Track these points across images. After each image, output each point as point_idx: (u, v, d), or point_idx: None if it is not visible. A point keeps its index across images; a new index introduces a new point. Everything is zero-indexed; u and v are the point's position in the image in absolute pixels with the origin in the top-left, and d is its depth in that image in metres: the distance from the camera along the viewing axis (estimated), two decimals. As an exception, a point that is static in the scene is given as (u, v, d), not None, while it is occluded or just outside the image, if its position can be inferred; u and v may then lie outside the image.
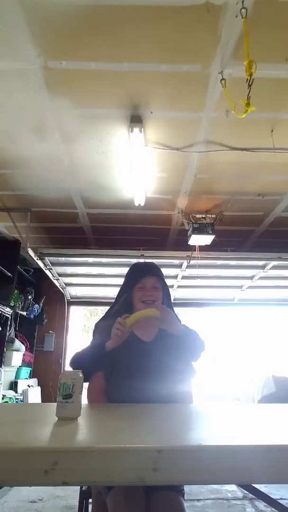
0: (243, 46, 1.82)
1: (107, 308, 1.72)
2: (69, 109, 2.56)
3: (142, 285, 1.57)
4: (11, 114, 2.62)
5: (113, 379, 1.45)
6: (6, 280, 4.29)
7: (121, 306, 1.62)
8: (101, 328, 1.61)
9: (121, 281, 1.69)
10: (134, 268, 1.67)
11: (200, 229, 4.00)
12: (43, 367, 5.63)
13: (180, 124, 2.73)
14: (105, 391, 1.45)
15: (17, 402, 4.42)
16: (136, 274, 1.62)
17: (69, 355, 5.95)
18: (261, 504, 2.66)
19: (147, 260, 4.14)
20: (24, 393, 4.80)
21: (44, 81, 2.30)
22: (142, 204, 3.81)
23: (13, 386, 4.75)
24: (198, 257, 4.33)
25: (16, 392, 4.66)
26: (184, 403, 1.49)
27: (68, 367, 1.61)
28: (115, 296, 1.70)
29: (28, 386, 5.02)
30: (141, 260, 4.09)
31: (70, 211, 4.16)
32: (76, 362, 1.47)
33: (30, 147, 2.99)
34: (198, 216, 4.14)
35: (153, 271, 1.62)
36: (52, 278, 5.16)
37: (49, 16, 1.88)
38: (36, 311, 5.51)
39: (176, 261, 4.68)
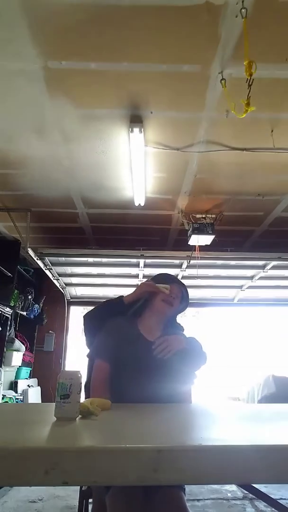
0: (243, 46, 1.82)
1: None
2: (69, 109, 2.56)
3: (172, 289, 1.63)
4: (11, 114, 2.62)
5: (116, 376, 1.45)
6: (6, 280, 4.29)
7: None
8: (112, 328, 1.57)
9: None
10: (165, 275, 1.78)
11: (200, 229, 3.99)
12: (43, 367, 5.63)
13: (180, 124, 2.73)
14: (108, 383, 1.45)
15: (17, 402, 4.42)
16: (166, 279, 1.69)
17: (69, 355, 5.96)
18: (261, 504, 2.66)
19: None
20: (24, 393, 4.80)
21: (44, 81, 2.30)
22: (142, 204, 3.81)
23: (13, 386, 4.74)
24: (198, 257, 4.33)
25: (16, 392, 4.66)
26: (184, 403, 1.49)
27: (67, 367, 1.62)
28: (115, 296, 1.72)
29: (28, 386, 5.02)
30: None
31: (70, 211, 4.16)
32: (92, 317, 1.59)
33: (30, 147, 2.99)
34: (198, 216, 4.14)
35: (181, 283, 1.72)
36: (52, 278, 5.16)
37: (49, 16, 1.88)
38: (36, 311, 5.51)
39: (176, 261, 4.68)
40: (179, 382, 1.50)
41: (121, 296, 1.63)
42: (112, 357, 1.47)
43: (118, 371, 1.46)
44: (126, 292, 1.69)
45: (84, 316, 1.64)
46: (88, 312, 1.65)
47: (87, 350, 1.61)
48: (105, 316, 1.58)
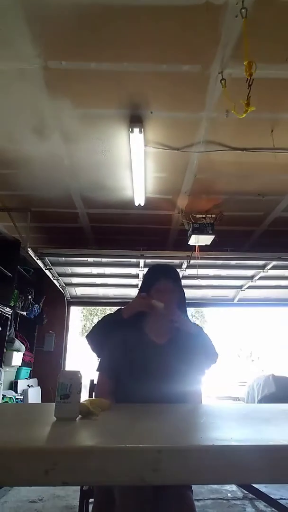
0: (243, 46, 1.82)
1: (108, 308, 1.74)
2: (69, 109, 2.56)
3: (159, 287, 1.60)
4: (11, 114, 2.62)
5: (124, 379, 1.46)
6: (6, 280, 4.28)
7: None
8: (116, 338, 1.57)
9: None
10: (153, 270, 1.72)
11: (200, 229, 4.00)
12: (43, 367, 5.63)
13: (180, 124, 2.73)
14: (113, 393, 1.45)
15: (17, 402, 4.42)
16: (154, 277, 1.66)
17: (69, 355, 5.96)
18: (261, 504, 2.66)
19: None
20: (24, 393, 4.80)
21: (44, 81, 2.30)
22: (142, 204, 3.81)
23: (13, 386, 4.74)
24: (198, 257, 4.33)
25: (16, 392, 4.65)
26: (193, 403, 1.50)
27: (67, 367, 1.63)
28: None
29: (28, 386, 5.02)
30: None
31: (70, 211, 4.16)
32: (93, 335, 1.58)
33: (30, 147, 2.99)
34: (198, 216, 4.14)
35: (170, 274, 1.67)
36: (52, 278, 5.16)
37: (49, 16, 1.88)
38: (36, 311, 5.51)
39: (176, 261, 4.68)
40: (188, 384, 1.51)
41: (119, 310, 1.61)
42: (118, 366, 1.48)
43: (127, 375, 1.46)
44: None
45: (86, 337, 1.62)
46: (88, 333, 1.63)
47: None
48: (107, 330, 1.57)
